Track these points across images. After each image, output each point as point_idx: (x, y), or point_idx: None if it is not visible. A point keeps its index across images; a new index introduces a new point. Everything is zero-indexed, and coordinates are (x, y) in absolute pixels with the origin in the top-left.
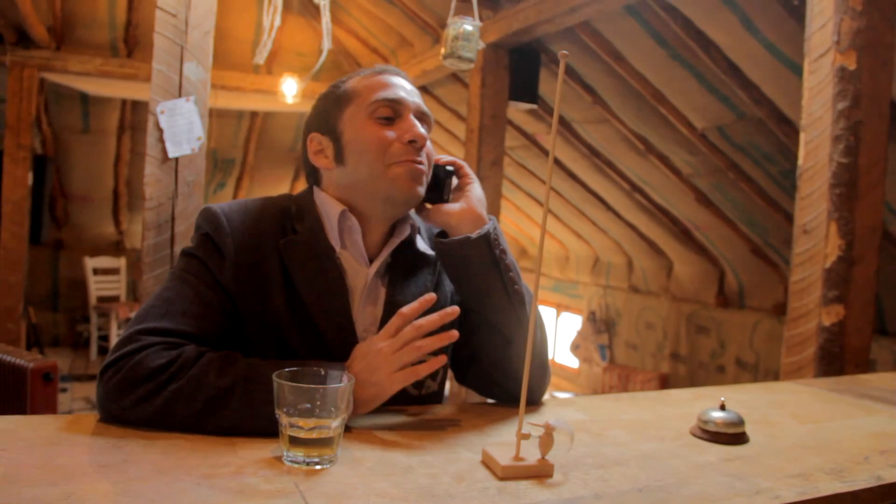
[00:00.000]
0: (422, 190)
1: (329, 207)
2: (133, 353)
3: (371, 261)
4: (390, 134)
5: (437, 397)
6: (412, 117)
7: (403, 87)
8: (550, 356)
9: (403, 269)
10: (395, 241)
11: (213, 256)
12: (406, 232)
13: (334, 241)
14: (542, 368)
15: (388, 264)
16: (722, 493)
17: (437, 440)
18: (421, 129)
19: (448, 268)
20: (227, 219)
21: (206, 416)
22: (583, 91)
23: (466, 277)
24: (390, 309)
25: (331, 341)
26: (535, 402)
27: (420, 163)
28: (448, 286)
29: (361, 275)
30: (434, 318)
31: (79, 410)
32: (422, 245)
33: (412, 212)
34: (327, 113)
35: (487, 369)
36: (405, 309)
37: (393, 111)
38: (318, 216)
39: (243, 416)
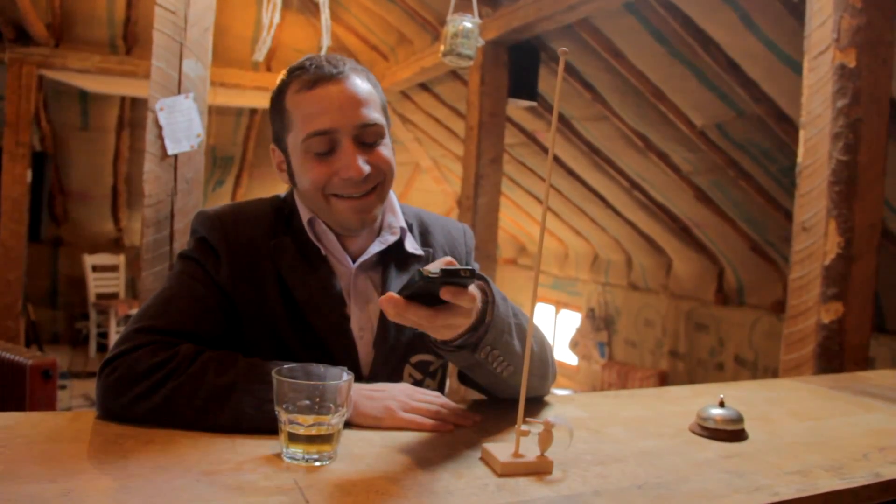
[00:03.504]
0: (373, 214)
1: (302, 213)
2: (130, 350)
3: (357, 259)
4: (328, 170)
5: None
6: (351, 145)
7: (339, 102)
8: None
9: (396, 268)
10: (380, 246)
11: (209, 258)
12: (392, 238)
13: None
14: (542, 378)
15: (380, 264)
16: (721, 489)
17: (437, 437)
18: (359, 162)
19: None
20: (221, 221)
21: (205, 414)
22: (582, 88)
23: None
24: None
25: (327, 340)
26: (539, 399)
27: (366, 194)
28: None
29: (347, 273)
30: (457, 410)
31: (78, 407)
32: (411, 245)
33: (399, 211)
34: (277, 126)
35: (482, 385)
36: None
37: (328, 143)
38: (301, 218)
39: (243, 414)
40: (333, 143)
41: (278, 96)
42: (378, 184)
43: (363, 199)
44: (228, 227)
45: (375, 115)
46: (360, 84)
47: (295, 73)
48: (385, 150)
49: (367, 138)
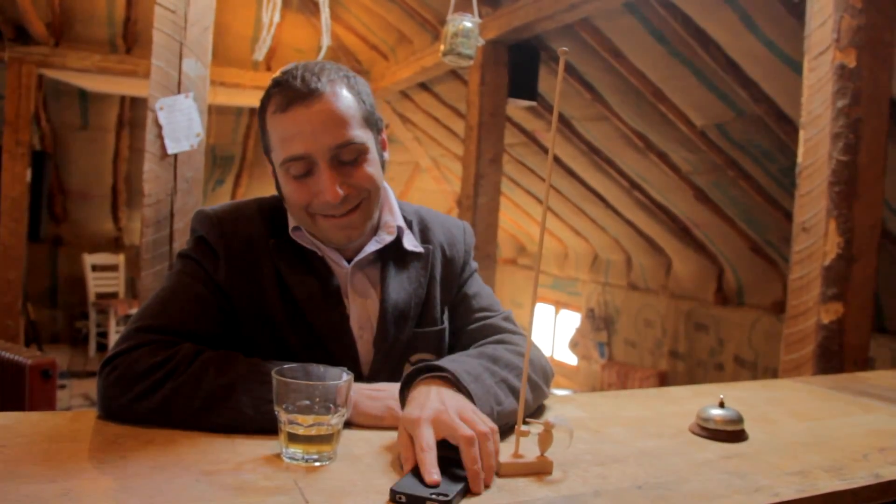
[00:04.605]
0: (360, 230)
1: (290, 219)
2: (130, 350)
3: (352, 260)
4: (308, 191)
5: None
6: (327, 168)
7: (313, 126)
8: (549, 355)
9: (394, 266)
10: (376, 245)
11: (208, 257)
12: (388, 238)
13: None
14: (537, 399)
15: (378, 262)
16: (721, 490)
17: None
18: (334, 188)
19: None
20: (220, 221)
21: (205, 414)
22: (582, 88)
23: None
24: (385, 307)
25: (326, 338)
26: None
27: (349, 212)
28: (439, 283)
29: (343, 273)
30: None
31: (77, 407)
32: (409, 243)
33: (397, 209)
34: (264, 142)
35: None
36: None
37: (304, 167)
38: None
39: (242, 415)
40: (310, 165)
41: (261, 113)
42: (361, 201)
43: (346, 217)
44: (227, 226)
45: (353, 132)
46: (338, 100)
47: (274, 90)
48: (368, 166)
49: (345, 157)
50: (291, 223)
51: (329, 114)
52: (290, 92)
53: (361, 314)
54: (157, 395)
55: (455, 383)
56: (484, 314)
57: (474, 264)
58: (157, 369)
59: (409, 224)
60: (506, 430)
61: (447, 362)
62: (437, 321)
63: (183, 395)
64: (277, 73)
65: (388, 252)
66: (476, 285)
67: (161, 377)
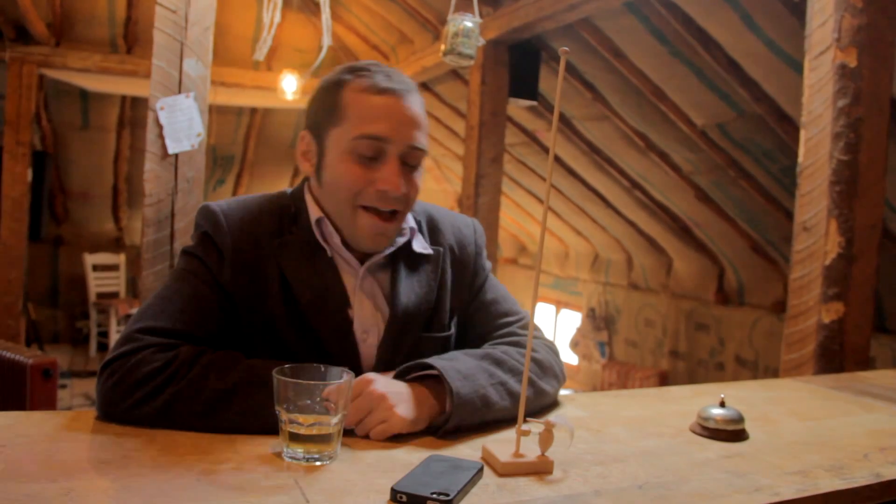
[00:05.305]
0: (389, 240)
1: (311, 210)
2: (130, 353)
3: (364, 261)
4: (366, 177)
5: None
6: (396, 160)
7: (399, 117)
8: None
9: (404, 269)
10: (390, 248)
11: (212, 255)
12: (401, 240)
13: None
14: (540, 403)
15: (388, 265)
16: (721, 489)
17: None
18: (399, 181)
19: None
20: (225, 217)
21: (206, 418)
22: (583, 88)
23: None
24: (395, 312)
25: (328, 341)
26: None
27: (390, 219)
28: (450, 288)
29: (353, 275)
30: None
31: (78, 407)
32: (420, 245)
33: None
34: (321, 116)
35: None
36: None
37: (376, 150)
38: (309, 216)
39: (244, 419)
40: (380, 152)
41: (334, 88)
42: (401, 210)
43: (387, 223)
44: (233, 223)
45: (425, 141)
46: (419, 108)
47: (361, 72)
48: (418, 178)
49: (410, 160)
50: (314, 215)
51: (415, 115)
52: (385, 81)
53: (367, 317)
54: (158, 400)
55: (441, 380)
56: (505, 320)
57: (488, 265)
58: (157, 374)
59: (419, 224)
60: (504, 430)
61: (437, 360)
62: (445, 327)
63: (183, 400)
64: (357, 63)
65: (398, 255)
66: (492, 290)
67: (161, 382)
